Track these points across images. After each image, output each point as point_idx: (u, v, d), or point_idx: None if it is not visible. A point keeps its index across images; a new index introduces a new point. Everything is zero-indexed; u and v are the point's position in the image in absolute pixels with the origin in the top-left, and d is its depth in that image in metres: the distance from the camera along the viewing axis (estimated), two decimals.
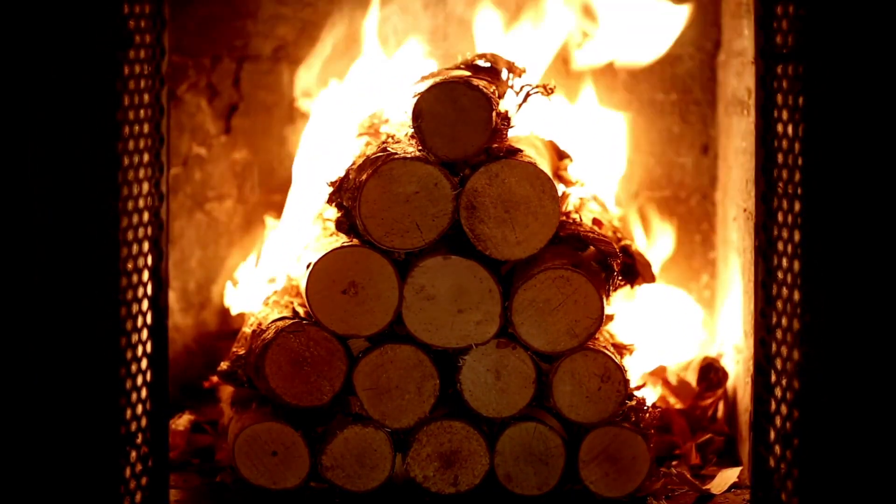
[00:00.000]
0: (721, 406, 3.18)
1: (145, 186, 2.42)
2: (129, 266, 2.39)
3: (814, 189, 2.35)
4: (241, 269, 3.50)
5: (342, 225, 2.75)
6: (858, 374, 2.35)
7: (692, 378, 3.25)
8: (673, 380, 3.25)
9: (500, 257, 2.69)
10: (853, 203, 2.34)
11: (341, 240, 2.74)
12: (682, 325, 3.46)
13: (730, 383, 3.21)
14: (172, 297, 3.45)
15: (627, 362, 2.85)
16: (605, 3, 3.45)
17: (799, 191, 2.36)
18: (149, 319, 2.44)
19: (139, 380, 2.43)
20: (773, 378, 2.43)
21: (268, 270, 3.31)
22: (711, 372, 3.25)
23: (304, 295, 2.71)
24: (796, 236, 2.37)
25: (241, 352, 2.80)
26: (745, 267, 2.92)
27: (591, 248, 2.76)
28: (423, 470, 2.72)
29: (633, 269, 3.00)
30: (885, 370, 2.34)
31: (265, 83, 3.54)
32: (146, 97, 2.41)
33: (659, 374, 3.29)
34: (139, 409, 2.43)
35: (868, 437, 2.35)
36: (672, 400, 3.20)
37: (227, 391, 3.01)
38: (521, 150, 2.72)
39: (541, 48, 3.45)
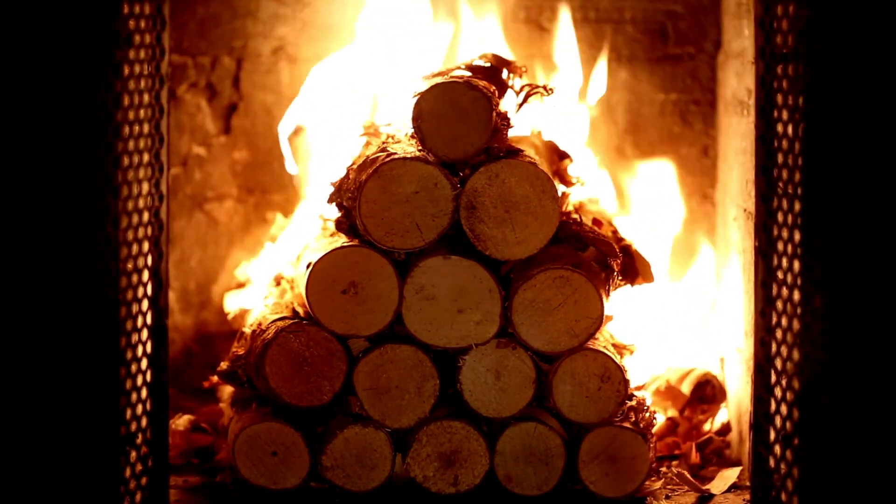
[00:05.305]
0: (722, 415, 3.18)
1: (145, 186, 2.42)
2: (129, 266, 2.39)
3: (814, 189, 2.34)
4: (241, 269, 3.50)
5: (342, 225, 2.75)
6: (858, 374, 2.34)
7: (687, 389, 3.24)
8: (664, 387, 3.25)
9: (500, 257, 2.69)
10: (853, 203, 2.33)
11: (341, 240, 2.74)
12: (682, 326, 3.46)
13: (730, 383, 3.20)
14: (172, 297, 3.45)
15: (627, 362, 2.85)
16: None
17: (799, 191, 2.36)
18: (149, 319, 2.44)
19: (139, 380, 2.43)
20: (773, 378, 2.43)
21: (268, 270, 3.31)
22: (707, 386, 3.25)
23: (304, 295, 2.71)
24: (796, 236, 2.37)
25: (241, 352, 2.80)
26: (745, 267, 2.92)
27: (591, 248, 2.76)
28: (423, 470, 2.72)
29: (633, 269, 3.00)
30: (885, 370, 2.34)
31: (265, 83, 3.54)
32: (146, 97, 2.41)
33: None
34: (139, 409, 2.43)
35: (868, 436, 2.35)
36: (668, 408, 3.20)
37: (227, 391, 3.01)
38: (521, 150, 2.72)
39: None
